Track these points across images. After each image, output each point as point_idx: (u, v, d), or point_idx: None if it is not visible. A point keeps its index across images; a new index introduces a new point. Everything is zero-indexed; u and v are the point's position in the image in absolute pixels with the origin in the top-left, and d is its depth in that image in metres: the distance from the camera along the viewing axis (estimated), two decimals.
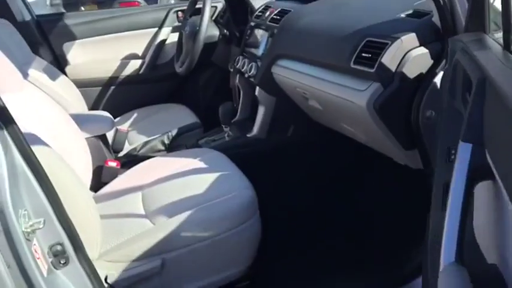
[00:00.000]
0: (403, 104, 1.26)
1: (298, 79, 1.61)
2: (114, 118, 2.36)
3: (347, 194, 1.83)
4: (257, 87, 1.85)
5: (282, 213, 1.69)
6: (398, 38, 1.24)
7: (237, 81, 2.06)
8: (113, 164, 1.70)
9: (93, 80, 2.45)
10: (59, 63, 2.39)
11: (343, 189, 1.84)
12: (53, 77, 2.11)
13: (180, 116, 2.23)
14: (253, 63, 1.83)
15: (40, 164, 0.96)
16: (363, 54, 1.30)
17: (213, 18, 2.52)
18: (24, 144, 0.94)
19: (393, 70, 1.24)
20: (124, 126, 2.24)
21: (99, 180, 1.69)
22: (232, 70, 2.09)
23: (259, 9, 1.98)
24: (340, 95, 1.38)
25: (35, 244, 0.97)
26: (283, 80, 1.73)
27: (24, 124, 1.26)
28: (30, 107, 1.43)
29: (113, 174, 1.69)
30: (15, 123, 0.94)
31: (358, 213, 1.77)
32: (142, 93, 2.53)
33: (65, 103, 1.94)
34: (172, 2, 8.04)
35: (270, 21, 1.82)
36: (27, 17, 2.32)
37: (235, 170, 1.55)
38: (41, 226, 0.94)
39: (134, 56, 2.51)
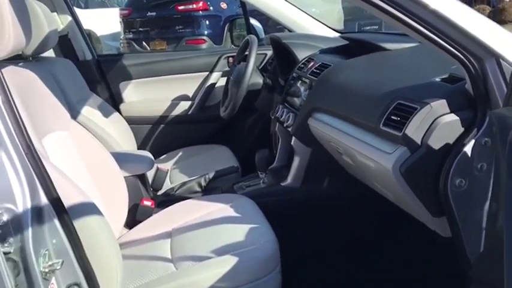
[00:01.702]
0: (430, 171, 1.23)
1: (333, 134, 1.61)
2: (161, 155, 2.48)
3: (377, 252, 1.78)
4: (293, 138, 1.87)
5: (308, 265, 1.67)
6: (427, 103, 1.22)
7: (276, 128, 2.09)
8: (148, 203, 1.77)
9: (144, 118, 2.57)
10: (114, 101, 2.54)
11: (374, 247, 1.79)
12: (106, 114, 2.24)
13: (221, 158, 2.29)
14: (291, 114, 1.86)
15: (63, 206, 1.02)
16: (392, 117, 1.29)
17: (262, 65, 2.59)
18: (50, 186, 1.00)
19: (421, 136, 1.22)
20: (167, 165, 2.33)
21: (134, 218, 1.76)
22: (272, 117, 2.13)
23: (302, 61, 2.02)
24: (368, 155, 1.37)
25: (52, 283, 1.02)
26: (318, 133, 1.74)
27: (62, 162, 1.35)
28: (73, 146, 1.53)
29: (148, 213, 1.75)
30: (43, 165, 1.00)
31: (385, 272, 1.72)
32: (189, 133, 2.62)
33: (112, 141, 2.05)
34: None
35: (310, 74, 1.85)
36: (89, 57, 2.50)
37: (262, 220, 1.56)
38: (58, 267, 1.00)
39: (184, 98, 2.62)
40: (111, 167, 1.69)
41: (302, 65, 2.00)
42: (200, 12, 7.50)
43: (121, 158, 1.75)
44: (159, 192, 2.05)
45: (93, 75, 2.48)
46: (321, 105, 1.71)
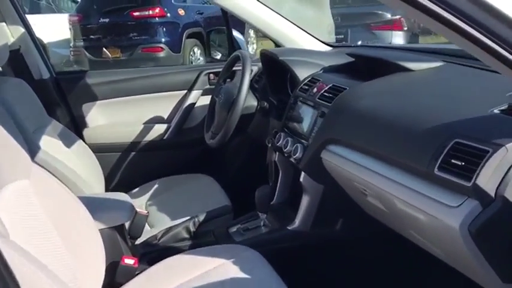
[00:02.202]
0: (507, 230, 0.98)
1: (357, 172, 1.34)
2: (133, 188, 2.13)
3: None
4: (302, 173, 1.59)
5: None
6: (502, 145, 0.97)
7: (275, 158, 1.80)
8: (130, 261, 1.43)
9: (112, 145, 2.21)
10: (77, 126, 2.17)
11: None
12: (69, 144, 1.88)
13: (207, 192, 1.96)
14: (299, 145, 1.57)
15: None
16: (453, 161, 1.03)
17: None
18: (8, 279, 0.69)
19: (495, 186, 0.97)
20: (141, 201, 1.98)
21: (113, 279, 1.42)
22: (270, 145, 1.83)
23: (305, 82, 1.74)
24: (419, 206, 1.11)
25: None
26: (335, 169, 1.47)
27: (22, 222, 1.03)
28: (35, 197, 1.18)
29: (130, 274, 1.41)
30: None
31: None
32: (165, 161, 2.28)
33: (78, 180, 1.70)
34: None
35: (319, 98, 1.58)
36: (46, 75, 2.12)
37: (272, 275, 1.28)
38: None
39: (159, 120, 2.28)
40: (83, 219, 1.34)
41: (306, 86, 1.72)
42: (157, 18, 7.15)
43: (94, 206, 1.40)
44: (138, 241, 1.70)
45: (52, 96, 2.10)
46: (340, 136, 1.43)
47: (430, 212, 1.08)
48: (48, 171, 1.42)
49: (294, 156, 1.58)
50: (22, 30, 1.98)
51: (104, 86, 2.22)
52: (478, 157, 0.99)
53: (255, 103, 1.85)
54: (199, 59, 7.83)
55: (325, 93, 1.57)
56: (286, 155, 1.65)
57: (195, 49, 7.71)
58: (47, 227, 1.14)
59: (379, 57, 1.66)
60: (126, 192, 2.12)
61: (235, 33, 2.45)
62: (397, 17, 5.73)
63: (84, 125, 2.19)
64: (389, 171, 1.22)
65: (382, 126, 1.28)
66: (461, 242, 1.02)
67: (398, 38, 5.74)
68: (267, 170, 1.93)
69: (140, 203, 1.99)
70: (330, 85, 1.60)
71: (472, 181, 0.98)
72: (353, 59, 1.81)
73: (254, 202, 1.77)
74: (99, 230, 1.39)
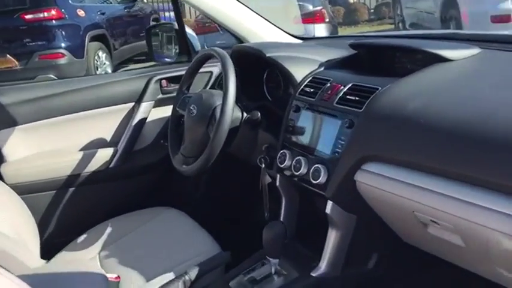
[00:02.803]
0: None
1: (420, 199, 1.01)
2: (77, 235, 1.62)
3: None
4: (329, 203, 1.21)
5: None
6: None
7: (277, 183, 1.41)
8: None
9: (40, 182, 1.68)
10: None
11: None
12: None
13: (183, 233, 1.52)
14: (321, 167, 1.20)
15: None
16: None
17: (208, 86, 1.88)
18: None
19: None
20: (91, 251, 1.49)
21: None
22: (263, 166, 1.44)
23: (306, 83, 1.37)
24: None
25: None
26: (375, 194, 1.12)
27: None
28: None
29: None
30: None
31: None
32: (114, 195, 1.79)
33: (6, 243, 1.18)
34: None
35: (339, 103, 1.22)
36: None
37: None
38: None
39: (101, 144, 1.78)
40: None
41: (308, 89, 1.35)
42: (53, 21, 6.37)
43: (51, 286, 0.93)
44: None
45: None
46: (384, 151, 1.09)
47: None
48: None
49: (316, 182, 1.20)
50: None
51: (23, 105, 1.67)
52: None
53: (239, 114, 1.45)
54: (105, 63, 7.18)
55: (348, 96, 1.21)
56: (298, 179, 1.28)
57: (100, 53, 7.07)
58: None
59: (409, 46, 1.34)
60: (68, 241, 1.62)
61: (188, 30, 2.01)
62: (319, 8, 5.57)
63: (1, 159, 1.63)
64: (484, 198, 0.89)
65: (458, 135, 0.95)
66: None
67: (321, 31, 5.58)
68: (257, 198, 1.54)
69: (90, 256, 1.49)
70: (350, 85, 1.24)
71: None
72: (354, 52, 1.48)
73: (247, 242, 1.37)
74: None
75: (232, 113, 1.33)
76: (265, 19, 1.88)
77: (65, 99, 1.73)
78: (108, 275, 1.18)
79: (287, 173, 1.33)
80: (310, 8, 5.52)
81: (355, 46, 1.46)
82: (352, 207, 1.21)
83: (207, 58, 1.52)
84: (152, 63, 2.11)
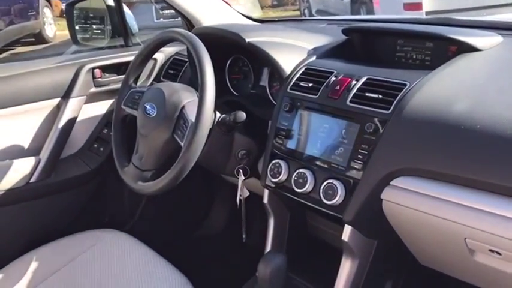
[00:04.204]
0: None
1: (472, 222, 0.81)
2: None
3: None
4: (347, 228, 0.97)
5: None
6: None
7: (265, 200, 1.14)
8: None
9: None
10: None
11: None
12: None
13: (140, 262, 1.20)
14: (336, 183, 0.95)
15: None
16: None
17: (152, 78, 1.55)
18: None
19: None
20: None
21: None
22: (242, 178, 1.16)
23: (298, 75, 1.12)
24: None
25: None
26: (409, 216, 0.91)
27: None
28: None
29: None
30: None
31: None
32: (36, 217, 1.39)
33: None
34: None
35: (354, 102, 0.98)
36: None
37: None
38: None
39: (18, 153, 1.37)
40: None
41: (303, 83, 1.09)
42: None
43: None
44: None
45: None
46: (423, 164, 0.87)
47: None
48: None
49: (330, 202, 0.95)
50: None
51: None
52: None
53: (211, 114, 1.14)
54: None
55: (367, 94, 0.97)
56: (303, 199, 1.02)
57: None
58: None
59: (430, 33, 1.12)
60: None
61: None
62: None
63: None
64: None
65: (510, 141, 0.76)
66: None
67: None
68: (234, 216, 1.25)
69: None
70: (364, 79, 1.01)
71: None
72: (345, 37, 1.25)
73: (218, 271, 1.10)
74: None
75: (212, 112, 1.03)
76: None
77: None
78: None
79: (284, 189, 1.06)
80: None
81: (348, 31, 1.22)
82: (374, 232, 0.98)
83: (165, 42, 1.19)
84: (74, 47, 1.70)
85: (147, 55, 1.23)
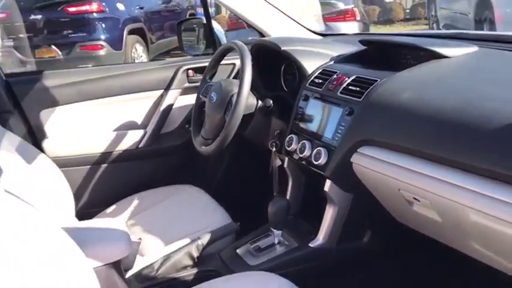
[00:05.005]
0: None
1: (405, 178, 1.14)
2: (108, 206, 1.82)
3: None
4: (327, 182, 1.36)
5: None
6: None
7: (285, 165, 1.56)
8: None
9: (77, 157, 1.88)
10: (35, 137, 1.81)
11: None
12: (28, 159, 1.54)
13: (200, 206, 1.70)
14: (322, 149, 1.34)
15: None
16: None
17: (231, 77, 2.04)
18: None
19: None
20: (120, 219, 1.68)
21: None
22: (274, 149, 1.59)
23: (316, 74, 1.52)
24: (498, 215, 0.92)
25: None
26: (370, 175, 1.26)
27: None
28: (7, 230, 0.87)
29: None
30: None
31: None
32: (142, 172, 1.98)
33: (46, 205, 1.37)
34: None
35: (342, 93, 1.36)
36: None
37: None
38: None
39: (132, 126, 1.97)
40: (73, 257, 1.04)
41: (318, 80, 1.49)
42: (94, 14, 6.65)
43: (83, 239, 1.10)
44: (130, 273, 1.41)
45: (2, 103, 1.74)
46: (377, 136, 1.22)
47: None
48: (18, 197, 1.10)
49: (316, 163, 1.35)
50: None
51: (65, 88, 1.87)
52: None
53: (255, 101, 1.60)
54: (141, 56, 7.43)
55: (350, 87, 1.35)
56: (303, 161, 1.42)
57: (137, 46, 7.33)
58: (24, 271, 0.85)
59: (410, 43, 1.46)
60: (99, 210, 1.81)
61: (215, 25, 2.17)
62: (350, 6, 5.65)
63: (43, 135, 1.84)
64: (457, 177, 1.02)
65: (442, 122, 1.08)
66: None
67: (351, 29, 5.66)
68: (269, 178, 1.69)
69: (122, 220, 1.68)
70: (353, 77, 1.38)
71: None
72: (364, 47, 1.61)
73: (257, 216, 1.53)
74: (94, 269, 1.09)
75: (247, 100, 1.48)
76: (287, 15, 2.02)
77: (101, 84, 1.92)
78: (132, 237, 1.36)
79: (293, 155, 1.48)
80: (342, 6, 5.62)
81: (364, 42, 1.59)
82: (348, 186, 1.35)
83: (228, 50, 1.68)
84: (186, 56, 2.28)
85: (217, 60, 1.73)
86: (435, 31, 3.48)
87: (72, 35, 6.66)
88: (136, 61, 7.28)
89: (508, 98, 1.02)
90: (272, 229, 1.46)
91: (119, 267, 1.22)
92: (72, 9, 6.60)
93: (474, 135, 0.99)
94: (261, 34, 2.01)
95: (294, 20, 2.04)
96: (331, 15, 5.69)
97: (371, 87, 1.29)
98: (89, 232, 1.23)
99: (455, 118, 1.05)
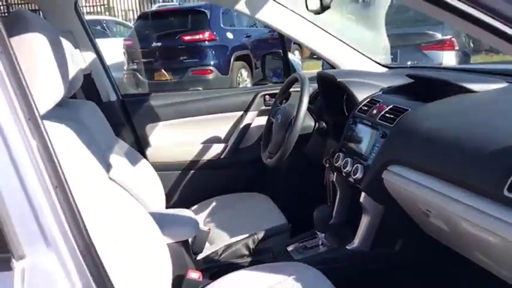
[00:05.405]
0: None
1: (420, 193, 1.35)
2: (192, 205, 2.20)
3: None
4: (362, 194, 1.60)
5: None
6: None
7: (333, 179, 1.82)
8: (194, 275, 1.48)
9: (172, 164, 2.31)
10: (140, 145, 2.28)
11: None
12: (133, 162, 1.98)
13: (264, 210, 2.01)
14: (359, 165, 1.59)
15: None
16: None
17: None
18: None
19: None
20: (201, 216, 2.05)
21: None
22: (327, 165, 1.86)
23: (364, 103, 1.77)
24: (489, 228, 1.11)
25: None
26: (396, 189, 1.48)
27: (98, 230, 1.09)
28: (111, 208, 1.26)
29: (195, 287, 1.47)
30: (103, 265, 0.74)
31: None
32: (222, 180, 2.35)
33: (143, 196, 1.78)
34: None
35: (380, 119, 1.60)
36: (113, 97, 2.25)
37: None
38: None
39: (216, 140, 2.36)
40: (153, 233, 1.41)
41: (365, 107, 1.74)
42: (206, 42, 7.35)
43: (162, 221, 1.47)
44: (200, 256, 1.76)
45: (118, 117, 2.23)
46: (403, 157, 1.44)
47: (500, 234, 1.08)
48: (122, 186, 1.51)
49: (354, 177, 1.60)
50: (93, 55, 2.13)
51: (166, 107, 2.32)
52: None
53: (312, 123, 1.89)
54: (246, 80, 7.98)
55: (386, 114, 1.59)
56: (345, 175, 1.68)
57: (242, 71, 7.88)
58: (116, 236, 1.21)
59: (441, 79, 1.67)
60: (185, 208, 2.21)
61: (291, 56, 2.51)
62: (448, 36, 5.66)
63: (147, 144, 2.29)
64: (455, 192, 1.22)
65: (449, 147, 1.28)
66: None
67: (449, 58, 5.65)
68: (324, 190, 1.95)
69: (199, 220, 2.05)
70: (391, 106, 1.62)
71: None
72: (412, 81, 1.82)
73: (310, 221, 1.79)
74: (167, 244, 1.46)
75: (303, 122, 1.78)
76: (354, 48, 2.28)
77: (194, 106, 2.35)
78: (204, 228, 1.72)
79: (340, 171, 1.73)
80: (439, 36, 5.65)
81: (410, 76, 1.81)
82: (380, 198, 1.58)
83: (295, 80, 1.99)
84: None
85: (285, 87, 2.06)
86: (481, 66, 3.46)
87: (186, 61, 7.42)
88: (240, 85, 7.86)
89: (502, 127, 1.20)
90: (317, 232, 1.72)
91: (187, 246, 1.58)
92: (187, 37, 7.36)
93: (470, 158, 1.20)
94: (332, 66, 2.30)
95: (361, 53, 2.30)
96: (430, 44, 5.74)
97: (402, 115, 1.52)
98: (167, 217, 1.61)
99: (463, 145, 1.25)
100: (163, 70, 7.42)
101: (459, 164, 1.22)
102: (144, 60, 7.65)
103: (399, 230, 1.63)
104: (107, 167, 1.66)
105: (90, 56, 2.12)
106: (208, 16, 7.42)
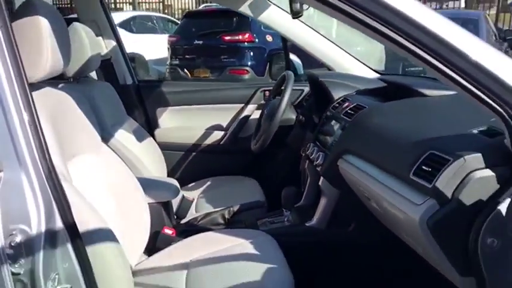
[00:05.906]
0: (460, 227, 1.16)
1: (361, 178, 1.57)
2: (189, 183, 2.48)
3: None
4: (321, 177, 1.83)
5: None
6: (461, 156, 1.16)
7: (305, 166, 2.05)
8: (168, 231, 1.76)
9: (177, 144, 2.60)
10: (150, 126, 2.58)
11: None
12: (140, 139, 2.27)
13: (248, 190, 2.26)
14: (321, 153, 1.82)
15: (78, 232, 1.02)
16: (423, 167, 1.24)
17: (297, 101, 2.58)
18: (67, 211, 1.01)
19: (452, 189, 1.16)
20: (193, 193, 2.32)
21: (154, 245, 1.75)
22: (303, 155, 2.09)
23: (338, 101, 1.99)
24: (396, 204, 1.32)
25: None
26: (348, 176, 1.70)
27: (86, 185, 1.36)
28: (100, 170, 1.54)
29: (168, 242, 1.74)
30: (62, 189, 1.00)
31: None
32: (219, 163, 2.62)
33: (141, 166, 2.07)
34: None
35: (344, 114, 1.82)
36: (129, 81, 2.57)
37: (281, 260, 1.52)
38: None
39: (218, 128, 2.63)
40: (136, 193, 1.69)
41: (337, 105, 1.97)
42: (245, 43, 7.62)
43: (147, 184, 1.76)
44: (183, 221, 2.04)
45: (132, 99, 2.54)
46: (353, 147, 1.66)
47: (403, 209, 1.29)
48: (117, 154, 1.80)
49: (316, 163, 1.83)
50: (114, 43, 2.45)
51: (176, 95, 2.62)
52: (441, 165, 1.19)
53: (294, 116, 2.13)
54: None
55: (349, 110, 1.81)
56: (312, 162, 1.91)
57: None
58: (105, 194, 1.49)
59: (404, 84, 1.87)
60: (183, 185, 2.49)
61: (293, 57, 2.76)
62: None
63: (156, 125, 2.60)
64: (381, 176, 1.43)
65: (382, 139, 1.50)
66: (422, 234, 1.22)
67: None
68: (300, 176, 2.19)
69: (193, 194, 2.33)
70: (354, 104, 1.83)
71: (433, 183, 1.19)
72: (385, 84, 2.03)
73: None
74: (148, 203, 1.74)
75: (282, 115, 2.02)
76: (350, 54, 2.48)
77: (201, 95, 2.64)
78: (186, 193, 1.99)
79: (309, 159, 1.96)
80: None
81: (383, 81, 2.02)
82: (336, 183, 1.80)
83: (283, 78, 2.24)
84: None
85: (279, 84, 2.30)
86: None
87: (224, 60, 7.70)
88: None
89: (433, 128, 1.40)
90: (284, 210, 1.96)
91: (167, 208, 1.86)
92: (227, 37, 7.65)
93: (394, 148, 1.41)
94: (328, 69, 2.52)
95: (356, 59, 2.50)
96: None
97: (360, 111, 1.74)
98: (153, 181, 1.89)
99: (391, 138, 1.46)
100: (203, 67, 7.76)
101: (386, 153, 1.44)
102: (186, 56, 8.00)
103: (353, 213, 1.84)
104: (108, 136, 1.96)
105: (111, 43, 2.44)
106: (250, 18, 7.66)
